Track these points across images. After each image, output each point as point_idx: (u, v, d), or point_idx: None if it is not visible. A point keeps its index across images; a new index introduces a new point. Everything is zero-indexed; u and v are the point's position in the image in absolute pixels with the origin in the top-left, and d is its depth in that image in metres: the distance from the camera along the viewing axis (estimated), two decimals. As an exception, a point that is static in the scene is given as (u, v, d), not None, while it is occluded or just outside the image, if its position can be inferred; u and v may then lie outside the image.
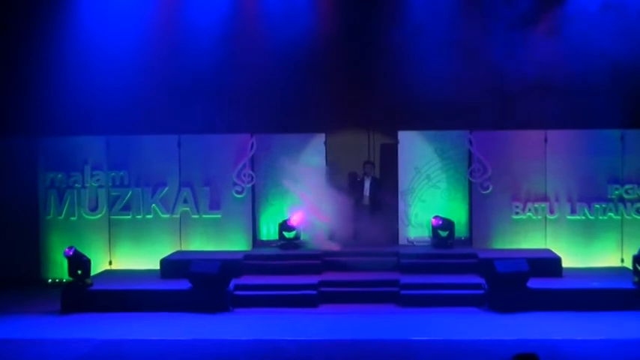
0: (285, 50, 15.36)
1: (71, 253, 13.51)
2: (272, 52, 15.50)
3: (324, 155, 15.54)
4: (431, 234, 15.23)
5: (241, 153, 15.46)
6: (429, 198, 15.62)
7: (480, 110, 15.01)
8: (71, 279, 13.58)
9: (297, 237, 15.18)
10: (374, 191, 15.53)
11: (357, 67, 15.73)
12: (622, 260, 14.99)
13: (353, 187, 15.62)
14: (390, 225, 15.46)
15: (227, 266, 13.41)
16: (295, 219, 15.02)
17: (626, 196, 15.12)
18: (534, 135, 15.26)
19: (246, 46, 15.57)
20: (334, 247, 14.70)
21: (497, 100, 15.14)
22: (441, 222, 14.98)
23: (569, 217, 15.23)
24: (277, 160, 15.31)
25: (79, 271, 13.49)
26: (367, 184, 15.58)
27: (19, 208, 15.57)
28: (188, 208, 15.55)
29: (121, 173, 15.56)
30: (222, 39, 15.51)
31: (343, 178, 15.76)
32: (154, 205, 15.58)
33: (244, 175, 15.46)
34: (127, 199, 15.57)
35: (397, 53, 15.46)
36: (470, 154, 15.44)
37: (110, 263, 15.60)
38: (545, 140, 15.21)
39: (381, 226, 15.13)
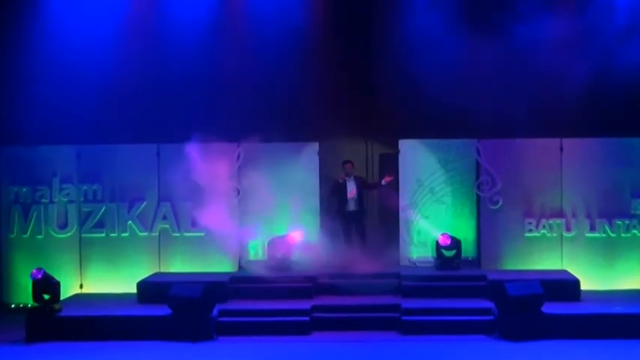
0: (275, 52, 15.39)
1: (40, 275, 13.31)
2: (261, 54, 15.51)
3: (318, 166, 15.42)
4: (435, 254, 15.09)
5: (227, 163, 15.30)
6: (433, 214, 15.55)
7: (489, 117, 14.88)
8: (37, 304, 13.34)
9: (288, 257, 15.05)
10: (361, 193, 15.29)
11: (354, 71, 15.76)
12: (647, 282, 14.92)
13: (333, 192, 15.34)
14: (390, 242, 15.38)
15: (211, 290, 13.35)
16: (293, 238, 14.99)
17: (652, 212, 15.05)
18: (549, 143, 15.19)
19: (233, 47, 15.60)
20: (323, 269, 14.61)
21: (508, 105, 15.02)
22: (449, 241, 14.87)
23: (588, 234, 15.18)
24: (267, 171, 15.18)
25: (46, 296, 13.26)
26: (351, 186, 15.29)
27: (-22, 225, 15.39)
28: (168, 226, 15.47)
29: (94, 187, 15.44)
30: (207, 40, 15.52)
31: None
32: (130, 221, 15.47)
33: (230, 189, 15.31)
34: (100, 215, 15.47)
35: (398, 55, 15.46)
36: (477, 164, 15.37)
37: (81, 287, 15.45)
38: (561, 149, 15.17)
39: (378, 242, 15.15)
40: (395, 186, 15.45)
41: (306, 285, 14.27)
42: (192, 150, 14.58)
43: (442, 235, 14.96)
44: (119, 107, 15.20)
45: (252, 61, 15.52)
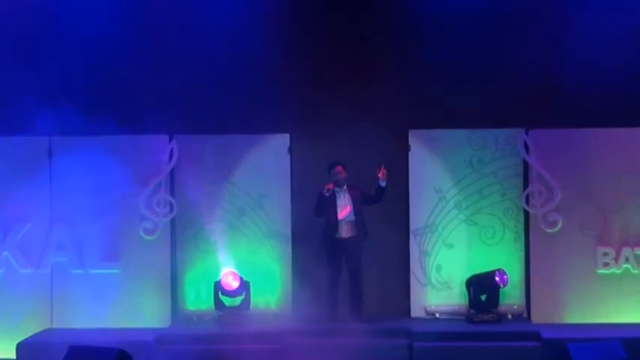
0: (229, 16, 14.86)
1: None
2: (205, 12, 15.01)
3: (289, 167, 15.04)
4: (468, 299, 14.69)
5: (154, 166, 14.90)
6: (460, 240, 15.05)
7: (542, 95, 14.45)
8: None
9: (244, 305, 14.62)
10: (359, 211, 14.50)
11: (341, 30, 15.26)
12: None
13: (317, 209, 14.62)
14: (396, 283, 15.14)
15: (129, 355, 12.53)
16: (231, 278, 14.57)
17: None
18: (633, 135, 14.65)
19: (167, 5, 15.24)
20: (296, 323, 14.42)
21: (570, 78, 14.23)
22: (506, 278, 14.52)
23: (695, 271, 14.58)
24: (213, 176, 14.96)
25: None
26: (342, 201, 14.49)
27: None
28: (65, 259, 14.89)
29: (-55, 202, 14.99)
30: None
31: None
32: (6, 253, 14.93)
33: (158, 203, 14.81)
34: (-44, 244, 14.82)
35: (408, 6, 14.91)
36: (526, 166, 14.90)
37: None
38: (655, 144, 14.58)
39: (378, 283, 15.05)
40: (404, 198, 14.99)
41: (271, 347, 13.70)
42: None
43: (498, 271, 14.48)
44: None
45: (191, 22, 15.05)
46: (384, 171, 14.27)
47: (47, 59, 15.08)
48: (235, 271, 14.59)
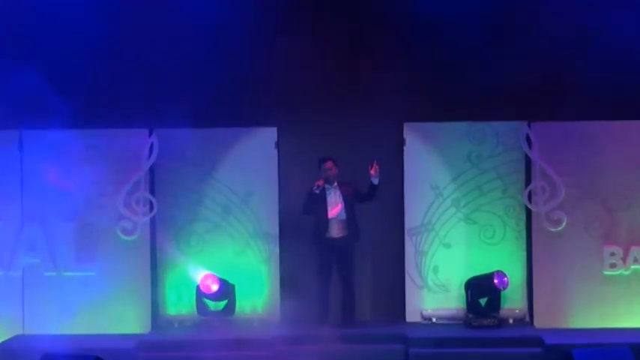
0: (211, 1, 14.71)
1: None
2: (189, 3, 14.80)
3: (276, 163, 14.85)
4: (467, 303, 14.46)
5: (132, 162, 14.73)
6: (458, 240, 14.89)
7: (546, 88, 14.24)
8: None
9: (228, 309, 14.47)
10: (350, 209, 14.30)
11: (333, 20, 15.05)
12: None
13: (306, 207, 14.40)
14: (390, 285, 14.98)
15: None
16: (210, 281, 14.39)
17: None
18: None
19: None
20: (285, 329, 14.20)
21: (575, 70, 14.12)
22: (506, 280, 14.31)
23: None
24: (196, 172, 14.81)
25: None
26: (333, 199, 14.31)
27: None
28: (38, 261, 14.73)
29: None
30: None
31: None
32: None
33: (138, 202, 14.62)
34: None
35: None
36: (527, 161, 14.74)
37: None
38: (666, 138, 14.42)
39: (371, 285, 15.02)
40: (399, 195, 14.75)
41: (257, 354, 13.54)
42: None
43: (497, 273, 14.28)
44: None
45: (179, 13, 14.71)
46: (377, 167, 14.09)
47: (20, 50, 14.83)
48: (212, 273, 14.47)
